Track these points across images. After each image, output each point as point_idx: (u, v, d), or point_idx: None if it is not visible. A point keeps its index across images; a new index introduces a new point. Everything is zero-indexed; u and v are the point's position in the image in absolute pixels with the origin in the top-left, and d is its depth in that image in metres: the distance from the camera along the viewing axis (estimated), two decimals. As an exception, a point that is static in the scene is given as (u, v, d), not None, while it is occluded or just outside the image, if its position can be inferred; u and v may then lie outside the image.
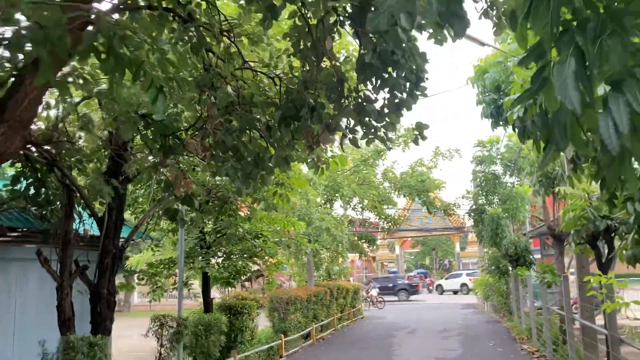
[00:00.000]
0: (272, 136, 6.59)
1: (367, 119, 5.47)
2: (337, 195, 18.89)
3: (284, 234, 12.85)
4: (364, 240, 20.13)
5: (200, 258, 12.09)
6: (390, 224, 20.73)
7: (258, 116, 6.61)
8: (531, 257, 17.65)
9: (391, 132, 5.87)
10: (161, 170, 7.50)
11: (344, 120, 5.50)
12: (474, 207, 19.04)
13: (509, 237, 17.27)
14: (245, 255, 12.34)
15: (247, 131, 6.78)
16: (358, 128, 5.85)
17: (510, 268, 18.82)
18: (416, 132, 5.78)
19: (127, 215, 11.67)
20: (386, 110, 5.60)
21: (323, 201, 20.11)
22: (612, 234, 7.74)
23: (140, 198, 11.80)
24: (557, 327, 11.59)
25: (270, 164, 7.10)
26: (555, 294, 18.97)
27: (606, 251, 8.05)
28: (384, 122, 5.74)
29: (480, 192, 18.75)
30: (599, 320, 9.69)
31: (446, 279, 46.00)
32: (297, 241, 13.17)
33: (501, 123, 13.15)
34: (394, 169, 20.66)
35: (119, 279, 26.11)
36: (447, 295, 42.94)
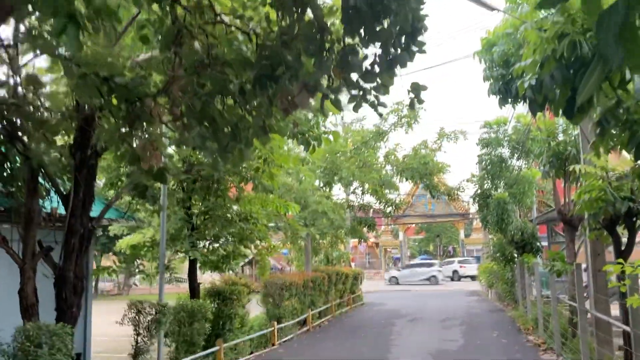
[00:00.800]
0: (248, 102, 5.77)
1: (352, 76, 4.66)
2: (335, 178, 18.08)
3: (277, 217, 12.08)
4: (363, 225, 19.34)
5: (186, 241, 11.35)
6: (391, 208, 19.91)
7: (231, 78, 5.77)
8: (538, 244, 16.84)
9: (383, 95, 5.04)
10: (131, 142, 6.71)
11: (327, 79, 4.70)
12: (479, 191, 18.20)
13: (515, 223, 16.45)
14: (234, 239, 11.59)
15: (221, 96, 5.98)
16: (345, 91, 5.06)
17: (515, 255, 18.03)
18: (412, 95, 4.96)
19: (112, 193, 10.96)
20: (377, 69, 4.79)
21: (322, 184, 19.33)
22: (634, 218, 6.93)
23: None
24: (565, 319, 10.83)
25: (248, 136, 6.31)
26: (564, 283, 18.21)
27: (626, 238, 7.26)
28: (375, 84, 4.93)
29: (485, 175, 17.89)
30: (612, 311, 8.91)
31: (441, 266, 47.64)
32: (289, 225, 12.40)
33: (510, 100, 12.30)
34: (397, 152, 19.81)
35: (108, 262, 25.55)
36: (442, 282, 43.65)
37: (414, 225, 72.67)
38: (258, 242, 12.11)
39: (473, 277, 43.28)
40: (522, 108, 20.42)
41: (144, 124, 6.33)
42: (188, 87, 5.75)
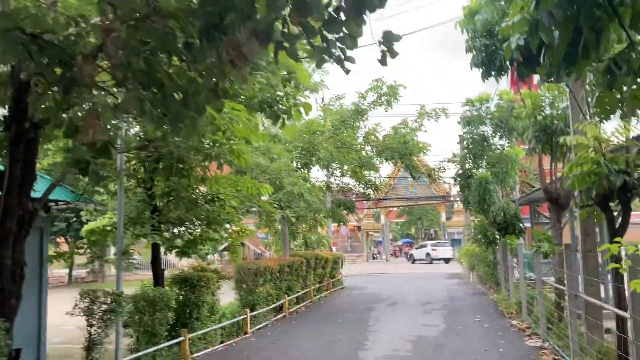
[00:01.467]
0: (197, 60, 4.98)
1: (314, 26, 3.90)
2: (313, 159, 17.34)
3: (247, 198, 11.30)
4: (342, 208, 18.66)
5: (147, 224, 10.54)
6: (371, 189, 19.28)
7: (177, 32, 4.97)
8: (521, 225, 16.35)
9: (351, 48, 4.29)
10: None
11: (281, 25, 3.94)
12: (460, 171, 17.61)
13: (498, 204, 15.90)
14: (199, 222, 10.82)
15: (167, 55, 5.20)
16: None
17: (498, 237, 17.55)
18: (383, 48, 4.21)
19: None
20: (342, 16, 4.03)
21: (299, 165, 18.58)
22: (629, 194, 6.32)
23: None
24: (551, 302, 10.31)
25: (199, 101, 5.58)
26: (549, 264, 17.77)
27: (619, 215, 6.67)
28: (340, 34, 4.18)
29: (467, 155, 17.29)
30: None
31: (416, 249, 51.12)
32: (260, 207, 11.66)
33: (493, 73, 11.64)
34: (377, 132, 19.10)
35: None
36: (419, 264, 46.68)
37: (395, 208, 72.66)
38: (228, 225, 11.34)
39: (447, 260, 46.20)
40: (506, 84, 19.81)
41: (83, 90, 5.52)
42: (126, 42, 4.93)
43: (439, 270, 36.31)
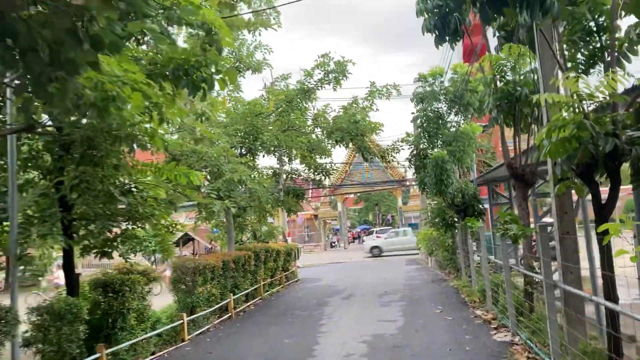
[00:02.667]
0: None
1: None
2: (257, 143, 15.87)
3: (175, 188, 9.77)
4: (292, 195, 17.29)
5: (57, 223, 8.91)
6: (322, 175, 17.97)
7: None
8: (481, 206, 15.38)
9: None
10: None
11: None
12: (415, 152, 16.50)
13: (456, 184, 14.86)
14: (115, 217, 9.24)
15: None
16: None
17: (456, 219, 16.57)
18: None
19: None
20: None
21: (244, 151, 17.08)
22: (617, 161, 5.18)
23: None
24: (520, 291, 9.26)
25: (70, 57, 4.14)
26: (510, 247, 16.92)
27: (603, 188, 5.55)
28: None
29: (422, 134, 16.18)
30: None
31: (366, 236, 52.55)
32: (188, 197, 10.15)
33: (448, 38, 10.45)
34: (327, 113, 17.74)
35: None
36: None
37: (352, 195, 71.90)
38: (155, 220, 9.77)
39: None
40: (459, 56, 18.76)
41: None
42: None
43: (396, 257, 35.48)
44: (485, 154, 19.53)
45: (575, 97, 5.18)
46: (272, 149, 17.03)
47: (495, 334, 9.11)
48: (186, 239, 34.05)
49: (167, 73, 7.09)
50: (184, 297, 12.76)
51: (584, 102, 5.24)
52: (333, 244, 62.89)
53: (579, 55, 6.20)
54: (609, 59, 5.79)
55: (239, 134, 15.95)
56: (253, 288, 17.23)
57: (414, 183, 31.06)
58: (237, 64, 18.01)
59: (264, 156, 17.59)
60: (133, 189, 9.13)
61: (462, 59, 18.04)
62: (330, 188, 58.09)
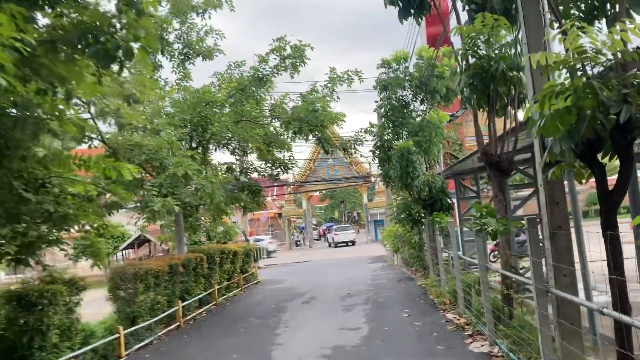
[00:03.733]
0: None
1: None
2: (207, 135, 14.45)
3: (96, 183, 8.35)
4: (246, 192, 15.95)
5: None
6: (280, 169, 16.70)
7: None
8: (449, 200, 14.38)
9: None
10: None
11: None
12: (378, 143, 15.38)
13: (422, 177, 13.80)
14: (33, 219, 7.80)
15: None
16: None
17: (423, 214, 15.55)
18: None
19: None
20: None
21: (194, 145, 15.66)
22: (629, 135, 4.11)
23: None
24: (497, 292, 8.22)
25: None
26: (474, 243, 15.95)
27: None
28: None
29: (386, 124, 15.07)
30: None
31: (328, 233, 55.15)
32: (111, 192, 8.75)
33: (413, 11, 9.35)
34: (285, 104, 16.44)
35: None
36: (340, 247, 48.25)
37: (318, 192, 70.78)
38: (74, 220, 8.36)
39: (352, 242, 48.84)
40: (423, 44, 17.72)
41: None
42: None
43: (362, 254, 34.50)
44: (452, 145, 18.58)
45: (576, 56, 4.09)
46: (225, 142, 15.68)
47: (471, 342, 8.02)
48: (142, 241, 32.22)
49: (73, 40, 5.75)
50: (124, 306, 11.39)
51: (586, 62, 4.15)
52: (298, 243, 61.82)
53: (573, 11, 5.13)
54: (612, 11, 4.71)
55: (188, 125, 14.52)
56: (206, 293, 15.88)
57: (379, 179, 30.04)
58: (185, 50, 16.61)
59: (215, 150, 16.20)
60: (48, 185, 7.69)
61: (425, 38, 17.00)
62: (294, 185, 56.87)
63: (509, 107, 8.09)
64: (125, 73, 8.24)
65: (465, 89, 7.89)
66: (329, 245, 51.81)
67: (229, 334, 11.14)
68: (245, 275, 20.96)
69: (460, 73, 7.89)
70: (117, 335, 10.11)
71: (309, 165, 55.52)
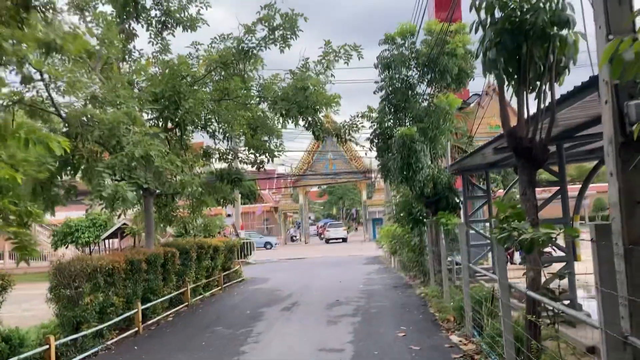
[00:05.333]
0: None
1: None
2: (179, 112, 12.54)
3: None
4: (225, 182, 14.06)
5: None
6: (265, 156, 14.80)
7: None
8: (457, 198, 12.48)
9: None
10: None
11: None
12: (378, 130, 13.46)
13: (427, 170, 11.89)
14: None
15: None
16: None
17: (426, 214, 13.68)
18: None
19: None
20: None
21: (171, 125, 13.74)
22: None
23: None
24: (521, 318, 6.33)
25: None
26: (479, 248, 13.98)
27: None
28: None
29: (386, 108, 13.15)
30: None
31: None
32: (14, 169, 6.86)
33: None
34: (276, 83, 14.52)
35: None
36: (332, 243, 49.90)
37: (316, 188, 68.88)
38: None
39: (342, 239, 50.91)
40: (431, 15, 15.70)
41: None
42: None
43: (357, 253, 32.63)
44: (460, 138, 16.64)
45: None
46: (203, 122, 13.77)
47: (484, 382, 6.16)
48: (125, 230, 30.40)
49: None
50: (66, 309, 9.57)
51: None
52: (294, 238, 60.22)
53: None
54: None
55: (160, 101, 12.59)
56: (178, 292, 14.04)
57: (379, 176, 28.05)
58: (164, 19, 14.71)
59: (193, 131, 14.28)
60: None
61: (433, 15, 15.02)
62: (291, 179, 55.03)
63: (545, 77, 6.16)
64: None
65: (489, 51, 5.98)
66: (326, 242, 52.47)
67: (187, 347, 9.27)
68: (227, 272, 19.12)
69: (484, 29, 5.97)
70: (47, 346, 8.27)
71: (307, 159, 53.64)
